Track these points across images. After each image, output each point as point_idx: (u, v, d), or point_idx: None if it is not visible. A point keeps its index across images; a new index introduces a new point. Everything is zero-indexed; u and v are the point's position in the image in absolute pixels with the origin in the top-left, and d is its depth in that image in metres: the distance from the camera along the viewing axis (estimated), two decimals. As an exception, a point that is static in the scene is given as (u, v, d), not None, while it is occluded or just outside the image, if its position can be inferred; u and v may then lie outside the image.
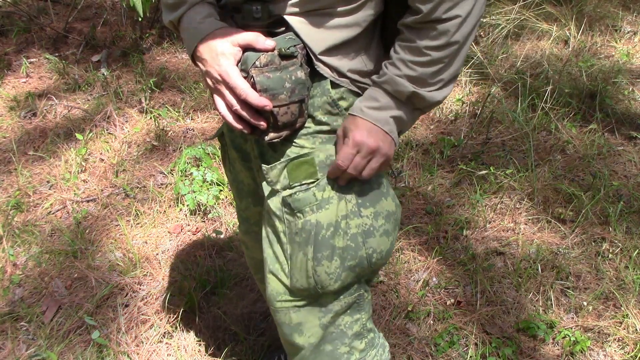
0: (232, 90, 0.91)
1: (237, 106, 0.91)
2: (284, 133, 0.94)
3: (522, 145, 2.60)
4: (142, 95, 2.92)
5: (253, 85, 0.89)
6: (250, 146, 1.11)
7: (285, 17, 0.90)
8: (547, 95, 2.79)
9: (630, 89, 2.95)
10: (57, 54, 3.32)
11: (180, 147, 2.60)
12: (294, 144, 0.98)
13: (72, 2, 3.73)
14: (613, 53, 3.30)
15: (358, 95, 0.98)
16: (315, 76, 0.94)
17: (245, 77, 0.89)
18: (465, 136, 2.66)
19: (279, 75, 0.89)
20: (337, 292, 1.03)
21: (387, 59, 0.96)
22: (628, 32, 3.54)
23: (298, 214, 0.97)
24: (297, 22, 0.90)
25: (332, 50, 0.93)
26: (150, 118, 2.77)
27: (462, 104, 2.87)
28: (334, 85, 0.96)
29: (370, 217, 0.99)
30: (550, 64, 3.07)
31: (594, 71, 3.02)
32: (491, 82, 2.96)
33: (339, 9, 0.91)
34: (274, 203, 0.99)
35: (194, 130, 2.71)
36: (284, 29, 0.92)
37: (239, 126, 0.94)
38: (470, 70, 3.07)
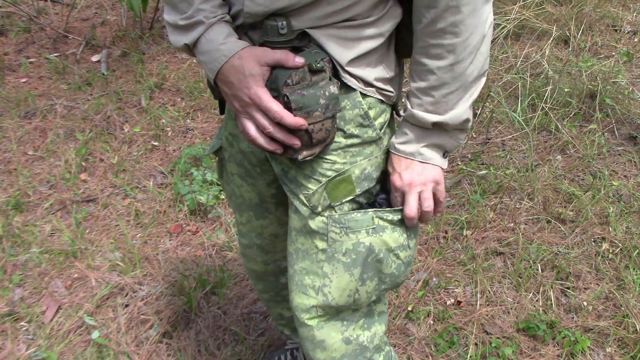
0: (264, 113, 0.87)
1: (270, 128, 0.87)
2: (317, 150, 0.92)
3: (522, 145, 2.60)
4: (142, 95, 2.93)
5: (287, 105, 0.86)
6: (249, 162, 1.11)
7: (308, 30, 0.88)
8: (547, 95, 2.79)
9: (630, 89, 2.95)
10: (57, 54, 3.32)
11: (180, 147, 2.60)
12: (324, 160, 0.96)
13: (72, 2, 3.73)
14: (613, 53, 3.30)
15: (384, 103, 0.97)
16: (342, 88, 0.92)
17: (275, 97, 0.86)
18: (466, 136, 2.66)
19: (312, 92, 0.86)
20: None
21: (400, 63, 0.97)
22: (628, 32, 3.54)
23: (351, 235, 0.97)
24: (321, 35, 0.88)
25: (357, 60, 0.91)
26: (150, 118, 2.77)
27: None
28: (363, 95, 0.94)
29: (414, 248, 1.04)
30: (550, 64, 3.07)
31: (594, 71, 3.02)
32: (491, 82, 2.96)
33: (360, 21, 0.89)
34: (315, 222, 0.98)
35: (194, 130, 2.72)
36: (306, 43, 0.89)
37: (271, 147, 0.91)
38: (470, 70, 3.07)
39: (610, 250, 2.06)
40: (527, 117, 2.71)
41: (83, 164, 2.50)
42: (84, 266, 2.00)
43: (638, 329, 1.76)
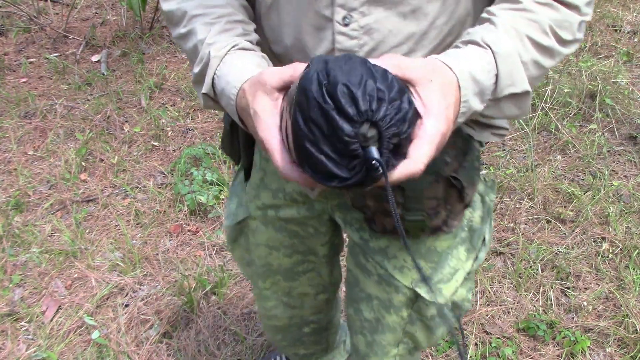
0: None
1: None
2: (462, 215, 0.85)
3: (522, 145, 2.60)
4: (142, 95, 2.92)
5: None
6: (299, 224, 1.01)
7: None
8: (547, 95, 2.79)
9: (630, 89, 2.95)
10: (57, 54, 3.32)
11: (180, 147, 2.60)
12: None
13: (72, 2, 3.73)
14: (613, 53, 3.30)
15: None
16: None
17: None
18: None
19: None
20: None
21: None
22: (628, 32, 3.54)
23: (431, 298, 0.91)
24: None
25: None
26: (150, 118, 2.77)
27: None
28: None
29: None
30: (550, 64, 3.07)
31: (594, 71, 3.02)
32: (491, 82, 2.96)
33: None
34: (406, 296, 0.93)
35: (194, 130, 2.71)
36: None
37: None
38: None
39: (610, 250, 2.06)
40: (527, 117, 2.71)
41: (83, 164, 2.50)
42: (84, 266, 2.00)
43: (638, 329, 1.76)
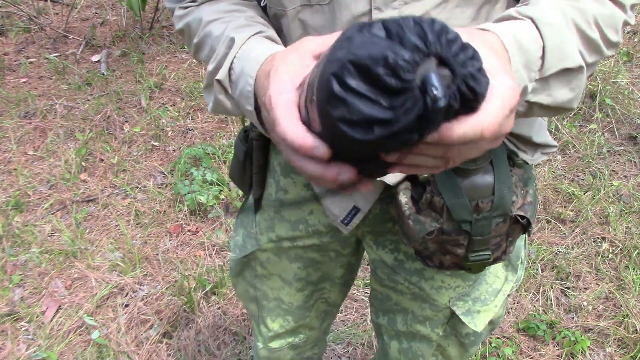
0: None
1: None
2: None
3: (522, 145, 2.60)
4: (142, 95, 2.92)
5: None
6: (320, 249, 0.95)
7: None
8: (547, 95, 2.79)
9: (630, 89, 2.95)
10: (57, 54, 3.32)
11: (180, 147, 2.60)
12: None
13: (72, 2, 3.73)
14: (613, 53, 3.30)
15: None
16: None
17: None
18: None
19: None
20: None
21: None
22: (628, 32, 3.54)
23: (470, 323, 0.89)
24: None
25: None
26: (150, 118, 2.77)
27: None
28: None
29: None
30: (550, 64, 3.07)
31: (594, 71, 3.02)
32: (491, 82, 2.96)
33: None
34: (442, 313, 0.91)
35: (194, 130, 2.71)
36: None
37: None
38: (470, 70, 3.08)
39: (610, 250, 2.06)
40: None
41: (83, 164, 2.50)
42: (84, 266, 2.00)
43: (638, 329, 1.76)
